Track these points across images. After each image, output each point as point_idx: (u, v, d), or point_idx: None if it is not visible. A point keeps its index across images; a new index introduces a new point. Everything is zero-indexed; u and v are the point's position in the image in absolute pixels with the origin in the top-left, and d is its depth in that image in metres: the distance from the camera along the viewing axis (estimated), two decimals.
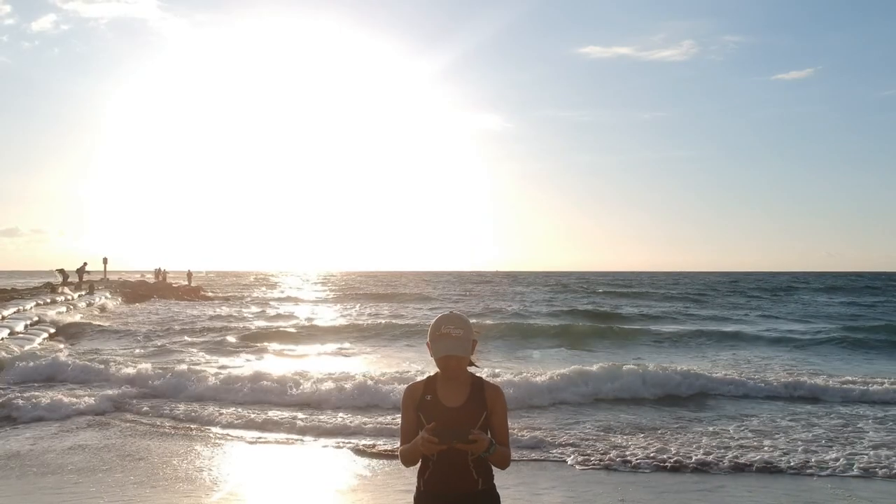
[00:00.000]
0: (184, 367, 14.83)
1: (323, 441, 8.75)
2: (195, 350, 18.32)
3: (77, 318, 25.63)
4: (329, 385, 11.46)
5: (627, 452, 7.99)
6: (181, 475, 7.08)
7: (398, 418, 2.87)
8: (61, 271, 38.24)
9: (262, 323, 27.46)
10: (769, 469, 7.40)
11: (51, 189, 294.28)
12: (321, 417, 9.88)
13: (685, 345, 20.84)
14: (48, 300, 27.85)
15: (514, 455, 7.82)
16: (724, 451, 8.03)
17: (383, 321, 27.36)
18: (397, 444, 2.83)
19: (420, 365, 14.69)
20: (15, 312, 21.83)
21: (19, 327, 19.08)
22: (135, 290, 44.98)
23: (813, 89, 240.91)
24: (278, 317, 31.49)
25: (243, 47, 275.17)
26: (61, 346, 18.61)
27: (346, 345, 20.38)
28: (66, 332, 21.56)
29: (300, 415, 10.04)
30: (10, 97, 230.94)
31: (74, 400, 10.61)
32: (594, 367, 12.93)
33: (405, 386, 2.89)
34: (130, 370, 12.90)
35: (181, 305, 38.47)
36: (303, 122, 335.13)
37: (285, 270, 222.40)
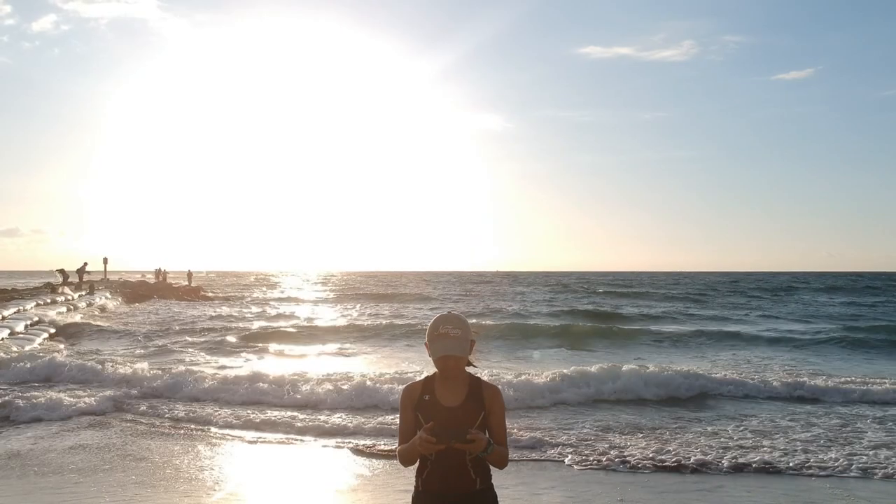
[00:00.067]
0: (184, 367, 14.84)
1: (322, 441, 8.76)
2: (195, 350, 18.33)
3: (77, 318, 25.64)
4: (329, 385, 11.47)
5: (627, 452, 8.00)
6: (181, 475, 7.09)
7: (398, 418, 2.88)
8: (61, 271, 38.26)
9: (262, 323, 27.47)
10: (768, 469, 7.41)
11: (51, 189, 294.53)
12: (321, 417, 9.89)
13: (685, 345, 20.85)
14: (48, 300, 27.88)
15: (514, 455, 7.84)
16: (724, 452, 8.03)
17: (383, 321, 27.37)
18: (397, 444, 2.84)
19: (420, 365, 14.70)
20: (15, 313, 21.85)
21: (20, 327, 19.10)
22: (135, 291, 45.00)
23: (813, 89, 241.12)
24: (278, 317, 31.50)
25: (243, 47, 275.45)
26: (61, 346, 18.63)
27: (346, 345, 20.40)
28: (67, 333, 21.57)
29: (300, 415, 10.04)
30: (10, 97, 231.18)
31: (74, 400, 10.62)
32: (594, 368, 12.94)
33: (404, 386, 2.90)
34: (130, 370, 12.91)
35: (181, 306, 38.48)
36: (303, 123, 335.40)
37: (285, 270, 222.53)
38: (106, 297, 36.54)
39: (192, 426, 9.51)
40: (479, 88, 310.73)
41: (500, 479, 6.58)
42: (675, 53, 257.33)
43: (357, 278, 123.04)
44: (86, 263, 42.62)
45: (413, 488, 2.81)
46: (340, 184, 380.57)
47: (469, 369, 2.83)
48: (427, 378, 2.83)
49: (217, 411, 10.32)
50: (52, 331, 20.71)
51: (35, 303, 25.73)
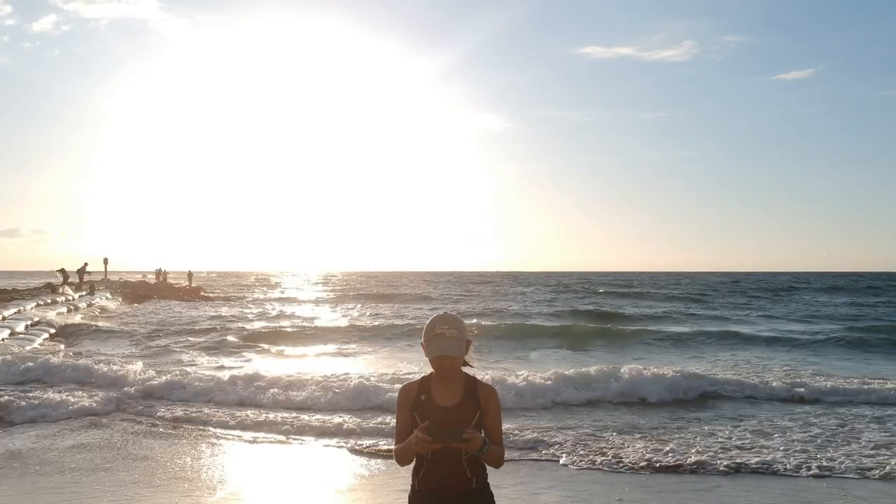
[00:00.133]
0: (184, 367, 14.89)
1: (322, 441, 8.78)
2: (195, 350, 18.36)
3: (77, 318, 25.67)
4: (328, 385, 11.49)
5: (625, 452, 8.01)
6: (181, 475, 7.11)
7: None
8: (62, 271, 38.30)
9: (262, 323, 27.50)
10: (766, 469, 7.42)
11: (51, 189, 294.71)
12: (320, 417, 9.90)
13: (685, 345, 20.85)
14: (49, 301, 27.91)
15: (513, 455, 7.86)
16: (722, 452, 8.05)
17: (383, 322, 27.39)
18: (394, 443, 2.85)
19: (419, 365, 14.71)
20: (16, 313, 21.89)
21: (20, 328, 19.12)
22: (135, 291, 45.04)
23: (813, 89, 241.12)
24: (278, 317, 31.53)
25: (244, 48, 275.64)
26: (62, 346, 18.66)
27: (346, 345, 20.42)
28: (67, 333, 21.59)
29: (299, 415, 10.06)
30: (10, 98, 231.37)
31: (75, 400, 10.64)
32: (593, 368, 12.97)
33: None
34: (131, 370, 12.92)
35: (182, 306, 38.50)
36: (304, 123, 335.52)
37: (286, 271, 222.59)
38: (106, 298, 36.59)
39: (192, 426, 9.53)
40: (479, 88, 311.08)
41: (499, 479, 6.62)
42: (676, 53, 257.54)
43: (357, 278, 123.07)
44: (86, 264, 42.69)
45: (410, 487, 2.83)
46: (341, 184, 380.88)
47: (465, 369, 2.85)
48: (423, 378, 2.85)
49: (217, 411, 10.34)
50: (53, 331, 20.74)
51: (35, 303, 25.77)
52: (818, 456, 7.84)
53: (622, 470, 7.44)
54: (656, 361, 16.24)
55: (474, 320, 25.25)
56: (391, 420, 9.40)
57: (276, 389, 11.41)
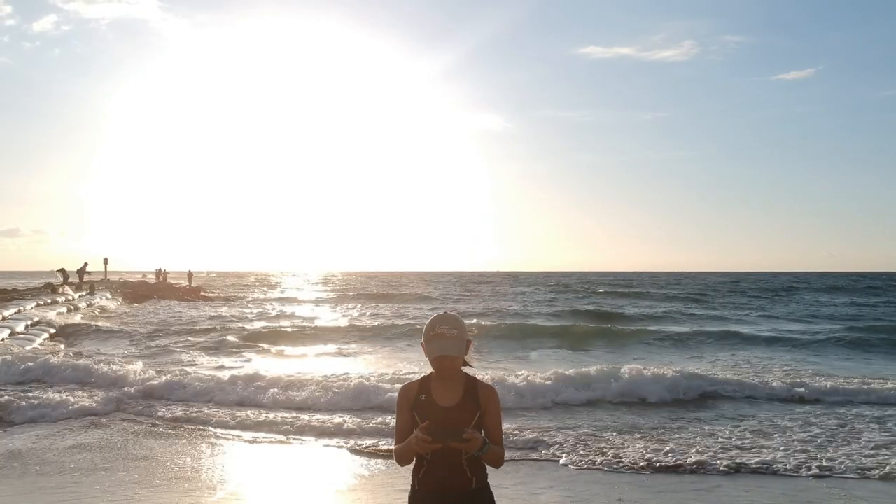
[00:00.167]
0: (184, 367, 14.89)
1: (322, 441, 8.78)
2: (195, 350, 18.36)
3: (77, 318, 25.68)
4: (328, 385, 11.49)
5: (625, 453, 8.01)
6: (181, 475, 7.11)
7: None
8: (62, 271, 38.30)
9: (262, 323, 27.50)
10: (767, 469, 7.42)
11: (52, 189, 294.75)
12: (320, 417, 9.90)
13: (685, 345, 20.85)
14: (49, 301, 27.91)
15: (513, 455, 7.87)
16: (722, 452, 8.05)
17: (383, 322, 27.40)
18: (394, 443, 2.85)
19: (419, 365, 14.71)
20: (16, 313, 21.89)
21: (20, 328, 19.13)
22: (135, 291, 45.05)
23: (813, 89, 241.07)
24: (278, 317, 31.54)
25: (244, 48, 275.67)
26: (62, 346, 18.66)
27: (346, 345, 20.42)
28: (67, 333, 21.59)
29: (299, 415, 10.06)
30: (10, 98, 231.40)
31: (74, 400, 10.64)
32: (593, 368, 12.97)
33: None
34: (130, 370, 12.92)
35: (182, 306, 38.50)
36: (304, 123, 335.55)
37: (286, 271, 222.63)
38: (106, 298, 36.60)
39: (192, 426, 9.53)
40: (479, 88, 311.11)
41: (499, 479, 6.62)
42: (676, 53, 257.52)
43: (357, 278, 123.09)
44: (86, 264, 42.71)
45: (410, 487, 2.83)
46: (341, 184, 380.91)
47: (465, 369, 2.85)
48: (423, 378, 2.85)
49: (217, 411, 10.34)
50: (53, 331, 20.75)
51: (35, 303, 25.77)
52: (818, 456, 7.84)
53: (622, 470, 7.44)
54: (656, 361, 16.24)
55: (474, 320, 25.24)
56: (391, 420, 9.40)
57: (275, 389, 11.41)
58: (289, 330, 24.03)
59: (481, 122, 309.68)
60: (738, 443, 8.52)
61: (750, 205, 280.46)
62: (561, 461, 7.75)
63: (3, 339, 16.75)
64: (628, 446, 8.31)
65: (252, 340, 20.66)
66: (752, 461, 7.64)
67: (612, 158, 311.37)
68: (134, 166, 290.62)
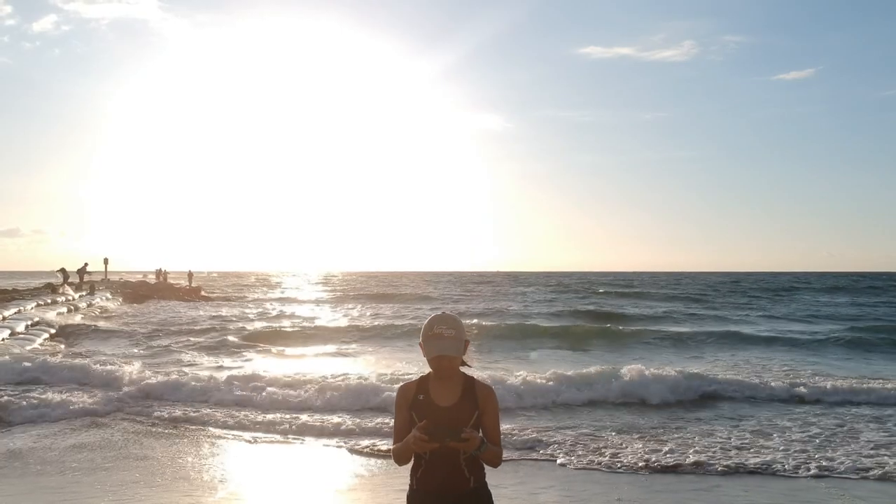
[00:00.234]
0: (184, 367, 14.90)
1: (322, 441, 8.79)
2: (195, 350, 18.37)
3: (78, 318, 25.69)
4: (328, 385, 11.50)
5: (624, 452, 8.02)
6: (180, 475, 7.12)
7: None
8: (62, 271, 38.31)
9: (262, 323, 27.50)
10: (766, 469, 7.43)
11: (52, 189, 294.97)
12: (320, 417, 9.91)
13: (685, 345, 20.86)
14: (49, 301, 27.91)
15: (512, 455, 7.88)
16: (721, 452, 8.06)
17: (383, 322, 27.40)
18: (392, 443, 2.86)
19: (419, 366, 14.71)
20: (16, 313, 21.89)
21: (20, 328, 19.13)
22: (135, 291, 45.06)
23: (813, 89, 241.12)
24: (278, 317, 31.54)
25: (244, 48, 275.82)
26: (62, 346, 18.67)
27: (346, 345, 20.43)
28: (67, 333, 21.60)
29: (299, 415, 10.07)
30: (11, 98, 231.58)
31: (74, 400, 10.65)
32: (593, 368, 12.97)
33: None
34: (130, 371, 12.92)
35: (182, 306, 38.52)
36: (304, 123, 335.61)
37: (286, 271, 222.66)
38: (106, 298, 36.61)
39: (192, 426, 9.54)
40: (479, 88, 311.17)
41: (499, 479, 6.63)
42: (676, 53, 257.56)
43: (358, 278, 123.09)
44: (86, 264, 42.73)
45: (408, 487, 2.84)
46: (341, 184, 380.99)
47: (463, 369, 2.86)
48: (422, 378, 2.86)
49: (216, 411, 10.35)
50: (53, 331, 20.75)
51: (36, 303, 25.76)
52: (817, 456, 7.85)
53: (621, 470, 7.44)
54: (656, 361, 16.24)
55: (475, 321, 25.38)
56: (390, 420, 9.41)
57: (275, 389, 11.41)
58: (289, 330, 24.04)
59: (481, 122, 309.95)
60: (738, 443, 8.53)
61: (750, 205, 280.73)
62: (560, 461, 7.75)
63: (3, 340, 16.75)
64: (627, 446, 8.32)
65: (252, 340, 20.66)
66: (752, 461, 7.65)
67: (612, 158, 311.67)
68: (134, 166, 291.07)
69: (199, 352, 18.15)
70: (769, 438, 8.77)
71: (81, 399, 10.75)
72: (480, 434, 2.69)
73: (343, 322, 27.96)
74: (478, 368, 13.91)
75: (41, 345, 17.87)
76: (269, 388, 11.48)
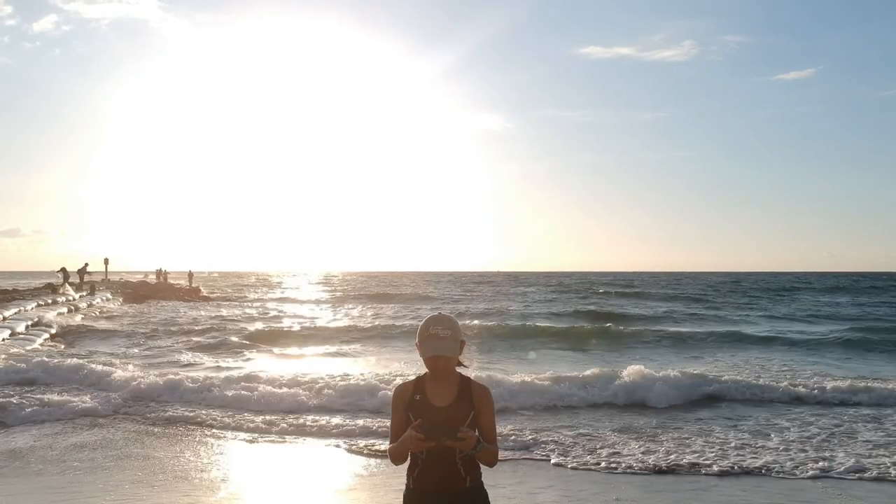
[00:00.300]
0: (184, 367, 14.92)
1: (321, 441, 8.81)
2: (195, 351, 18.39)
3: (78, 318, 25.71)
4: (328, 385, 11.52)
5: (623, 452, 8.04)
6: (180, 475, 7.13)
7: None
8: (63, 270, 38.34)
9: (261, 324, 27.51)
10: (764, 469, 7.44)
11: (52, 189, 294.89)
12: (319, 417, 9.93)
13: (686, 345, 20.87)
14: (49, 301, 27.93)
15: (511, 454, 7.90)
16: (720, 451, 8.07)
17: (384, 322, 27.42)
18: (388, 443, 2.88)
19: (419, 366, 14.69)
20: (16, 313, 21.91)
21: (20, 328, 19.16)
22: (136, 291, 45.10)
23: (814, 89, 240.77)
24: (278, 317, 31.55)
25: (244, 48, 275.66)
26: (62, 346, 18.69)
27: (346, 345, 20.45)
28: (67, 333, 21.62)
29: (298, 415, 10.09)
30: (11, 98, 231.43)
31: (75, 400, 10.67)
32: (593, 368, 12.99)
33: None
34: (130, 371, 12.95)
35: (182, 306, 38.55)
36: (304, 123, 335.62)
37: (286, 271, 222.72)
38: (107, 298, 36.63)
39: (191, 426, 9.56)
40: (479, 88, 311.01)
41: (497, 479, 6.65)
42: (676, 53, 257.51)
43: (358, 278, 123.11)
44: (87, 264, 42.79)
45: (404, 486, 2.86)
46: (341, 184, 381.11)
47: (459, 369, 2.87)
48: (418, 378, 2.87)
49: (216, 411, 10.37)
50: (53, 331, 20.77)
51: (36, 303, 25.79)
52: (816, 456, 7.86)
53: (620, 470, 7.46)
54: (656, 361, 16.27)
55: (476, 322, 25.42)
56: (389, 420, 9.43)
57: (275, 389, 11.42)
58: (289, 330, 24.07)
59: (481, 122, 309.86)
60: (737, 443, 8.54)
61: (750, 205, 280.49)
62: (559, 461, 7.77)
63: (3, 340, 16.78)
64: (626, 446, 8.33)
65: (252, 340, 20.68)
66: (750, 462, 7.67)
67: (613, 158, 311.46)
68: (134, 166, 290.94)
69: (200, 352, 18.17)
70: (768, 438, 8.78)
71: (81, 399, 10.78)
72: (476, 433, 2.71)
73: (343, 322, 27.99)
74: (478, 368, 13.96)
75: (41, 345, 17.89)
76: (268, 388, 11.49)
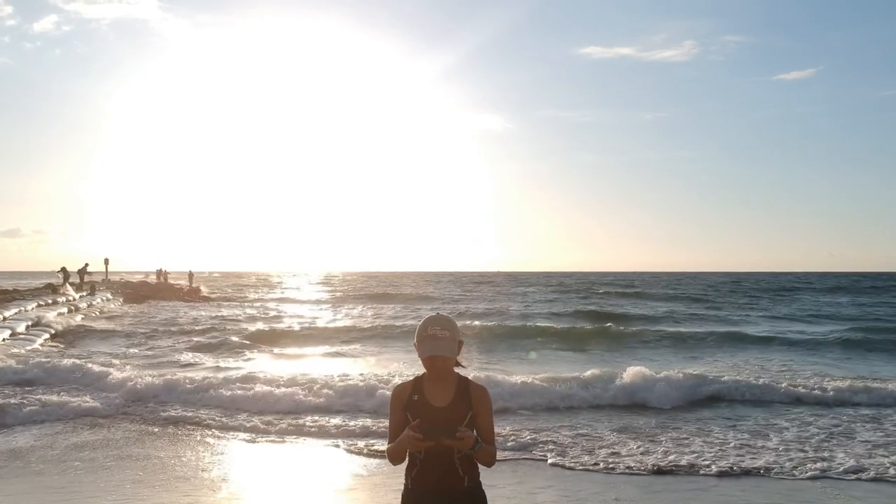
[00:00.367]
0: (184, 367, 14.94)
1: (321, 441, 8.83)
2: (195, 351, 18.40)
3: (78, 319, 25.73)
4: (327, 385, 11.53)
5: (623, 452, 8.05)
6: (180, 475, 7.14)
7: None
8: (63, 271, 38.35)
9: (261, 324, 27.51)
10: (763, 469, 7.45)
11: (52, 190, 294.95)
12: (319, 418, 9.94)
13: (685, 345, 20.88)
14: (50, 301, 27.94)
15: (510, 454, 7.91)
16: (720, 452, 8.08)
17: (384, 322, 27.43)
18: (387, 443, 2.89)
19: (418, 366, 14.70)
20: (16, 313, 21.92)
21: (21, 328, 19.17)
22: (136, 291, 45.11)
23: (814, 89, 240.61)
24: (278, 318, 31.56)
25: (244, 48, 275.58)
26: (62, 347, 18.70)
27: (346, 345, 20.45)
28: (67, 334, 21.64)
29: (298, 415, 10.11)
30: (11, 98, 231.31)
31: (75, 400, 10.68)
32: (593, 369, 13.00)
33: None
34: (130, 371, 12.97)
35: (182, 306, 38.56)
36: (304, 123, 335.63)
37: (287, 271, 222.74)
38: (107, 298, 36.64)
39: (191, 426, 9.57)
40: (479, 89, 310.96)
41: (496, 479, 6.66)
42: (676, 54, 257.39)
43: (358, 279, 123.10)
44: (87, 264, 42.78)
45: (403, 486, 2.87)
46: (342, 184, 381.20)
47: (457, 370, 2.88)
48: (416, 378, 2.88)
49: (216, 411, 10.39)
50: (53, 332, 20.78)
51: (36, 303, 25.80)
52: (815, 456, 7.87)
53: (619, 470, 7.47)
54: (656, 362, 16.28)
55: (477, 322, 25.41)
56: (388, 421, 9.44)
57: (274, 389, 11.43)
58: (289, 330, 24.08)
59: (482, 122, 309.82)
60: (736, 443, 8.55)
61: (750, 205, 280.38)
62: (558, 461, 7.77)
63: (3, 340, 16.79)
64: (625, 446, 8.34)
65: (252, 340, 20.69)
66: (750, 462, 7.67)
67: (613, 158, 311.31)
68: (134, 166, 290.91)
69: (200, 352, 18.18)
70: (767, 439, 8.79)
71: (82, 399, 10.79)
72: (475, 433, 2.71)
73: (343, 322, 28.00)
74: (478, 368, 13.97)
75: (42, 345, 17.92)
76: (268, 389, 11.50)
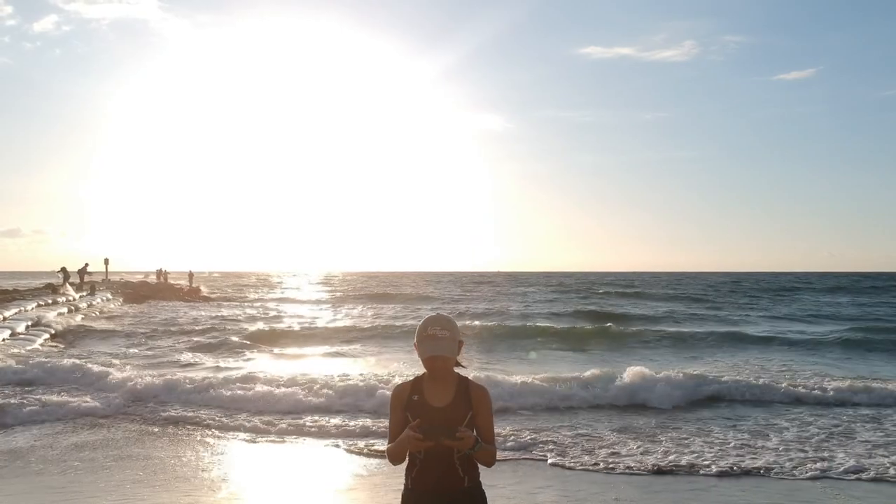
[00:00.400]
0: (184, 367, 14.94)
1: (320, 441, 8.82)
2: (195, 351, 18.40)
3: (78, 319, 25.73)
4: (327, 386, 11.53)
5: (623, 452, 8.05)
6: (179, 475, 7.15)
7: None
8: (63, 271, 38.35)
9: (261, 324, 27.51)
10: (763, 469, 7.45)
11: (52, 190, 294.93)
12: (319, 418, 9.94)
13: (686, 346, 20.87)
14: (49, 301, 27.95)
15: (510, 454, 7.91)
16: (720, 452, 8.08)
17: (384, 322, 27.43)
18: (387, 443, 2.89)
19: (418, 366, 14.69)
20: (16, 313, 21.93)
21: (21, 328, 19.17)
22: (136, 291, 45.12)
23: (814, 89, 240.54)
24: (278, 317, 31.57)
25: (245, 48, 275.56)
26: (62, 347, 18.71)
27: (346, 345, 20.45)
28: (67, 334, 21.64)
29: (298, 415, 10.10)
30: (11, 98, 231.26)
31: (75, 400, 10.68)
32: (593, 369, 12.99)
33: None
34: (130, 371, 12.97)
35: (182, 306, 38.56)
36: (304, 123, 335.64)
37: (287, 271, 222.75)
38: (107, 298, 36.64)
39: (191, 426, 9.57)
40: (479, 89, 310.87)
41: (496, 479, 6.66)
42: (676, 53, 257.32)
43: (358, 279, 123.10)
44: (87, 264, 42.78)
45: (403, 486, 2.86)
46: (342, 184, 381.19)
47: (457, 370, 2.88)
48: (416, 378, 2.88)
49: (216, 412, 10.39)
50: (53, 332, 20.78)
51: (36, 303, 25.80)
52: (815, 457, 7.87)
53: (619, 470, 7.47)
54: (656, 362, 16.28)
55: (477, 322, 25.41)
56: (388, 421, 9.43)
57: (274, 389, 11.43)
58: (289, 330, 24.08)
59: (482, 122, 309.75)
60: (736, 443, 8.55)
61: (750, 205, 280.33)
62: (558, 461, 7.77)
63: (3, 340, 16.79)
64: (625, 446, 8.34)
65: (252, 340, 20.68)
66: (749, 462, 7.67)
67: (613, 158, 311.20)
68: (134, 166, 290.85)
69: (200, 352, 18.18)
70: (767, 439, 8.79)
71: (82, 399, 10.79)
72: (474, 433, 2.71)
73: (343, 322, 27.99)
74: (478, 368, 13.97)
75: (41, 345, 17.92)
76: (268, 389, 11.50)
